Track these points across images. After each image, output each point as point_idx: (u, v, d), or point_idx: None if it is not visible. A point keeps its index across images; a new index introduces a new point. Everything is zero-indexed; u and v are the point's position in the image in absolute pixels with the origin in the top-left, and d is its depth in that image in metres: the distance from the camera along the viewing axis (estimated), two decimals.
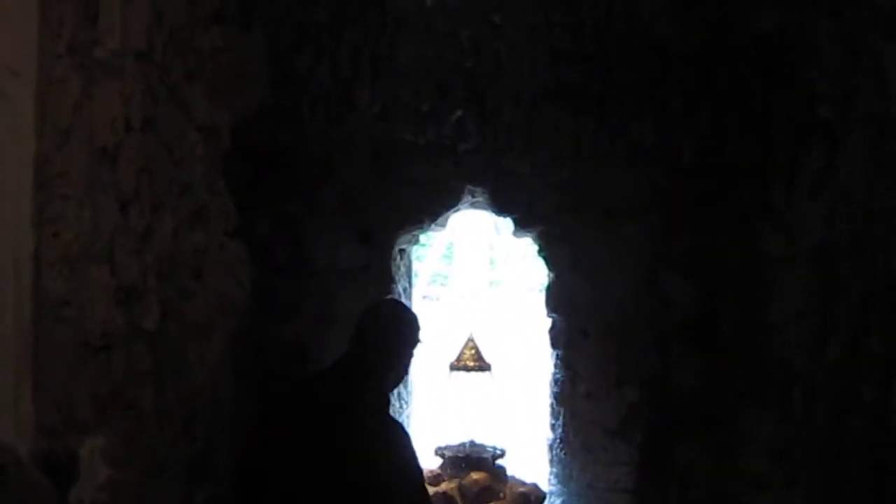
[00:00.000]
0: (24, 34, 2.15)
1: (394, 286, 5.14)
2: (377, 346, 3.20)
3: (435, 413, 5.22)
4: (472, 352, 4.68)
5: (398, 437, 3.17)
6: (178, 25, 2.51)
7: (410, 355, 3.36)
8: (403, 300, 5.23)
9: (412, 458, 3.21)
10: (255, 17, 3.33)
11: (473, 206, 5.24)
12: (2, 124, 2.13)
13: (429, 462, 4.69)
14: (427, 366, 5.02)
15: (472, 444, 4.61)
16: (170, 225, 2.49)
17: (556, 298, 5.09)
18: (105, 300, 2.23)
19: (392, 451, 3.06)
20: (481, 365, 4.66)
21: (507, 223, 5.40)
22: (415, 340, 3.36)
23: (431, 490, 4.34)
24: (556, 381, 5.09)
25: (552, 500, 4.90)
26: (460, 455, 4.53)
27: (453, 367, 4.67)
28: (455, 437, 4.67)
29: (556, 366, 5.10)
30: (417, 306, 5.51)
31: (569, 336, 5.05)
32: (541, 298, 5.27)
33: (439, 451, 4.60)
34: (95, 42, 2.22)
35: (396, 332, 3.28)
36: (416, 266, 5.48)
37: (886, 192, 2.79)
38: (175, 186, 2.53)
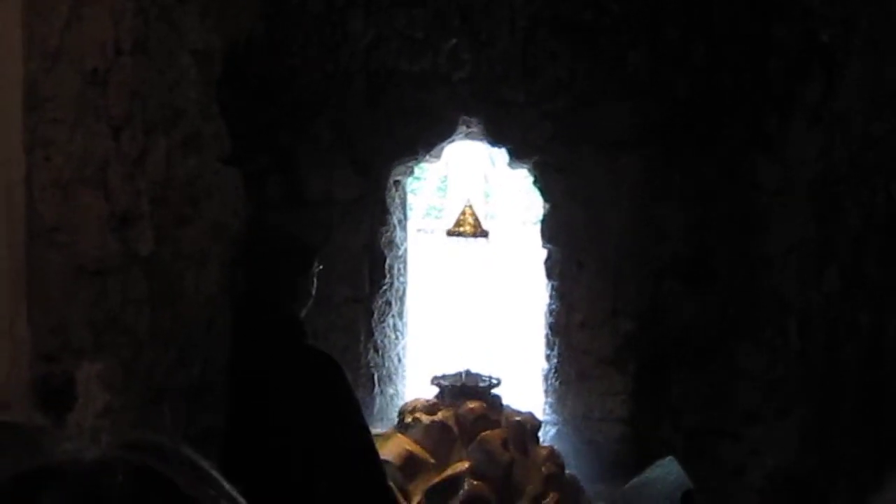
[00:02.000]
0: None
1: (389, 217, 5.13)
2: (273, 280, 3.04)
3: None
4: (470, 218, 4.65)
5: (322, 383, 2.94)
6: None
7: (311, 276, 3.15)
8: (398, 232, 5.23)
9: (345, 408, 2.96)
10: None
11: (468, 136, 5.21)
12: None
13: (425, 391, 4.73)
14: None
15: (468, 373, 4.63)
16: (163, 150, 2.45)
17: (552, 229, 5.08)
18: (98, 225, 2.21)
19: (317, 404, 2.89)
20: (479, 231, 4.63)
21: (501, 154, 5.37)
22: (307, 266, 3.14)
23: (427, 419, 4.38)
24: (550, 312, 5.11)
25: (547, 429, 4.94)
26: (456, 384, 4.56)
27: (450, 234, 4.64)
28: (451, 366, 4.70)
29: (551, 296, 5.11)
30: (412, 239, 5.50)
31: (564, 267, 5.06)
32: (536, 231, 5.26)
33: (435, 381, 4.63)
34: None
35: (287, 263, 3.10)
36: (410, 199, 5.45)
37: (886, 116, 2.77)
38: (168, 111, 2.50)
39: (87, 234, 2.19)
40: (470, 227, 4.64)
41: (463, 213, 4.71)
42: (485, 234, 4.66)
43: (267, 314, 3.01)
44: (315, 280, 3.12)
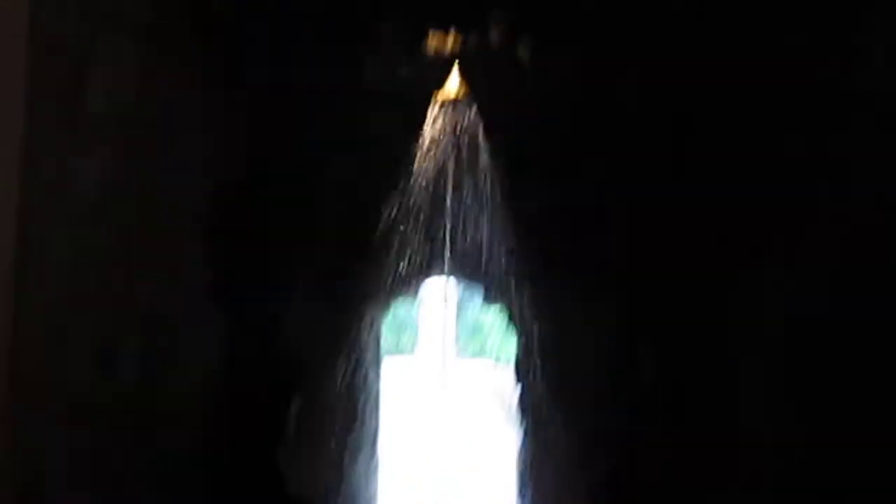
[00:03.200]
0: None
1: (364, 356, 5.11)
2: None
3: None
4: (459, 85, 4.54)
5: None
6: None
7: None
8: (372, 370, 5.20)
9: None
10: None
11: (444, 273, 5.24)
12: None
13: None
14: None
15: None
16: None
17: (525, 367, 5.06)
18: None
19: None
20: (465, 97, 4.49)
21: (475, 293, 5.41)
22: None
23: None
24: (524, 450, 5.04)
25: None
26: None
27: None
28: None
29: (525, 434, 5.05)
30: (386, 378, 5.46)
31: (537, 406, 5.02)
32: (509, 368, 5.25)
33: None
34: None
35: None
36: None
37: None
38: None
39: None
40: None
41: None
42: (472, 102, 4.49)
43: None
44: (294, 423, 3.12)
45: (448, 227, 5.07)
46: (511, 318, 5.15)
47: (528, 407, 5.05)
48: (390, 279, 5.07)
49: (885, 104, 3.41)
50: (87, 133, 2.28)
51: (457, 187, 5.06)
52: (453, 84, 4.67)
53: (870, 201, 3.25)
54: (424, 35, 4.88)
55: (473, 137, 5.04)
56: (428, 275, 5.16)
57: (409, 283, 5.12)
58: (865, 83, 3.53)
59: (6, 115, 2.14)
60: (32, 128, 2.17)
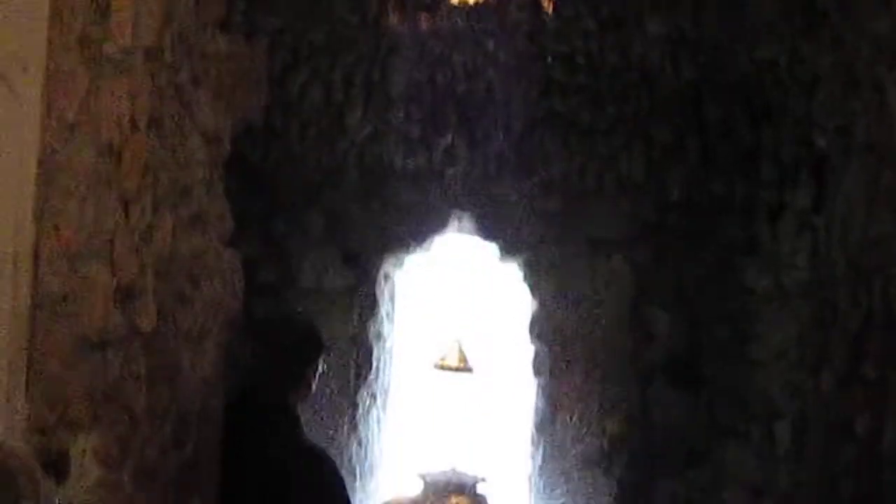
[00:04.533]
0: (33, 26, 2.14)
1: (377, 310, 5.13)
2: (279, 366, 3.04)
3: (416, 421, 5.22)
4: (457, 353, 4.63)
5: (316, 478, 2.97)
6: (186, 28, 2.51)
7: (315, 369, 3.17)
8: (386, 325, 5.23)
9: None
10: (258, 28, 3.34)
11: (459, 231, 5.24)
12: (8, 116, 2.10)
13: (407, 486, 4.65)
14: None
15: (454, 470, 4.57)
16: (169, 226, 2.46)
17: (540, 327, 5.08)
18: (104, 298, 2.20)
19: (310, 499, 2.93)
20: (464, 366, 4.62)
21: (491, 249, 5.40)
22: (316, 357, 3.16)
23: None
24: (537, 411, 5.07)
25: None
26: (441, 480, 4.49)
27: (437, 367, 4.62)
28: (436, 462, 4.64)
29: (537, 395, 5.08)
30: (400, 331, 5.48)
31: (551, 365, 5.04)
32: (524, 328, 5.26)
33: (421, 476, 4.56)
34: (105, 37, 2.21)
35: (299, 352, 3.10)
36: (400, 291, 5.45)
37: (884, 218, 2.82)
38: (176, 188, 2.51)
39: (92, 307, 2.17)
40: (456, 363, 4.65)
41: (451, 347, 4.71)
42: (469, 369, 4.67)
43: (263, 400, 2.99)
44: (317, 375, 3.12)
45: (465, 183, 5.07)
46: (526, 276, 5.16)
47: (543, 364, 5.06)
48: (406, 234, 5.09)
49: None
50: (109, 70, 2.26)
51: (475, 143, 5.06)
52: None
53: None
54: None
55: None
56: (443, 231, 5.16)
57: (424, 238, 5.12)
58: None
59: (28, 55, 2.13)
60: (54, 67, 2.15)
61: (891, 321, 2.78)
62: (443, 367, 4.63)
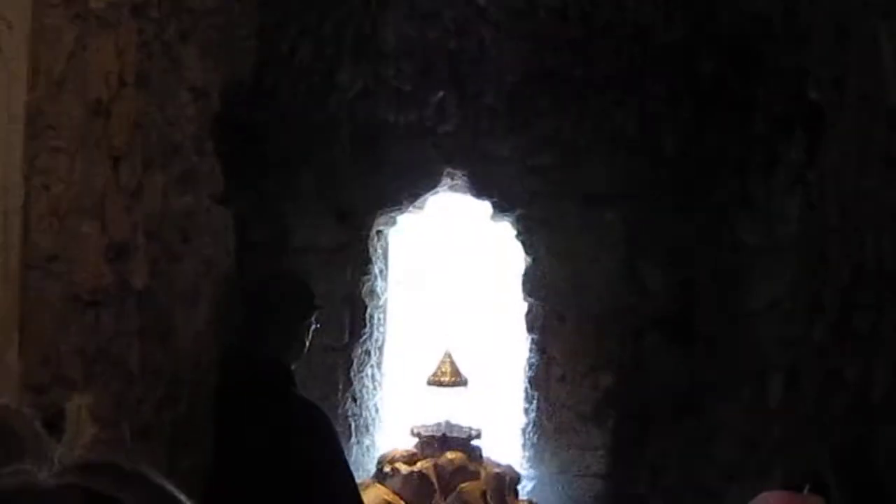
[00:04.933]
0: None
1: (370, 267, 5.13)
2: (273, 324, 3.05)
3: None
4: (449, 367, 4.67)
5: (311, 432, 3.01)
6: None
7: (308, 326, 3.18)
8: (379, 282, 5.23)
9: (332, 456, 3.06)
10: None
11: (452, 188, 5.23)
12: None
13: (405, 441, 4.69)
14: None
15: (448, 424, 4.60)
16: (160, 184, 2.46)
17: (533, 283, 5.09)
18: (95, 255, 2.19)
19: (305, 452, 2.93)
20: (457, 380, 4.66)
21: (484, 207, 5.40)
22: (308, 314, 3.18)
23: (406, 469, 4.34)
24: (530, 366, 5.09)
25: (524, 483, 4.90)
26: (436, 435, 4.52)
27: (430, 383, 4.67)
28: (430, 417, 4.67)
29: (531, 350, 5.10)
30: (392, 289, 5.49)
31: (545, 320, 5.06)
32: (516, 283, 5.26)
33: (415, 431, 4.59)
34: None
35: (292, 308, 3.11)
36: (393, 250, 5.45)
37: (876, 171, 2.82)
38: (166, 145, 2.50)
39: (84, 264, 2.17)
40: (449, 377, 4.66)
41: (442, 361, 4.72)
42: (464, 382, 4.68)
43: (257, 357, 3.00)
44: (311, 332, 3.13)
45: (457, 139, 5.06)
46: (519, 232, 5.15)
47: (536, 320, 5.08)
48: (398, 192, 5.07)
49: None
50: (95, 26, 2.24)
51: (468, 99, 5.04)
52: None
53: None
54: None
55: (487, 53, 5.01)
56: (436, 188, 5.14)
57: (417, 195, 5.11)
58: None
59: (13, 12, 2.11)
60: (39, 24, 2.13)
61: (882, 272, 2.80)
62: (436, 384, 4.64)
